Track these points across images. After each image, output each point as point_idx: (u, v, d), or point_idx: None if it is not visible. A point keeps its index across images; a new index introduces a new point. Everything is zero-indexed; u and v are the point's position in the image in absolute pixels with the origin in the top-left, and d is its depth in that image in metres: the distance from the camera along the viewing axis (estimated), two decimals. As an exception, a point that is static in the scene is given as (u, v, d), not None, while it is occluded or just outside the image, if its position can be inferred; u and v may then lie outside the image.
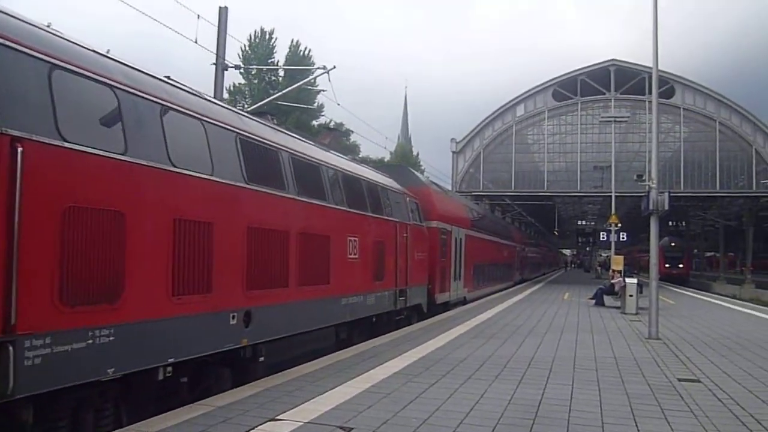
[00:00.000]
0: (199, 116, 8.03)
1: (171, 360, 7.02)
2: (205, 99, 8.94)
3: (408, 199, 16.95)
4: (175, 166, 7.13)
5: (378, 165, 23.09)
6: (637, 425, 6.95)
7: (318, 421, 6.65)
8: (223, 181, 8.12)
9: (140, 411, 6.87)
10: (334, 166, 12.42)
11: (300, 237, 10.15)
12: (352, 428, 6.42)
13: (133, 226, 6.38)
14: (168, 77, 8.21)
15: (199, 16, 16.27)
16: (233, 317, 8.23)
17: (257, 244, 8.83)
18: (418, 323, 16.95)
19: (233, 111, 9.88)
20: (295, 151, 10.66)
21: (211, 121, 8.27)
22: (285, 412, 6.97)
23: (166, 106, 7.36)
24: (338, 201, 12.01)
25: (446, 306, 21.28)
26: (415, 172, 23.62)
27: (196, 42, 16.41)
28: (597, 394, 8.51)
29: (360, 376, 9.22)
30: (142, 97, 6.94)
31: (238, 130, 8.88)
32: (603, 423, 6.98)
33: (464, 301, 24.46)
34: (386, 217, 14.71)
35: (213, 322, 7.82)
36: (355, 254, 12.53)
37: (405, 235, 15.83)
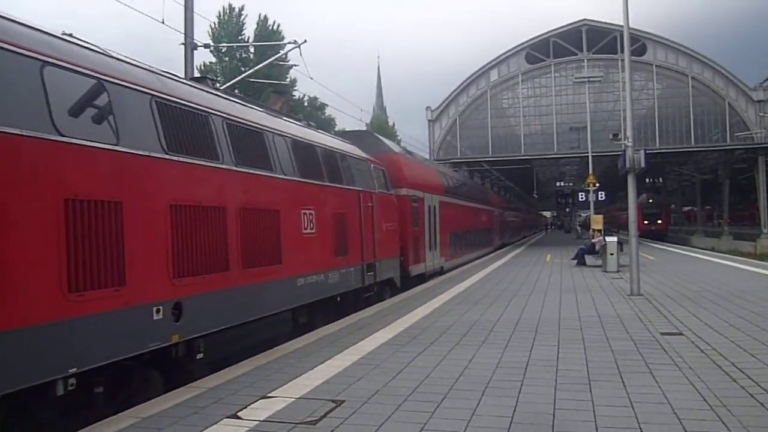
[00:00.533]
0: (98, 75, 6.86)
1: (73, 370, 5.94)
2: (112, 56, 7.68)
3: (372, 166, 15.81)
4: (62, 135, 6.04)
5: (340, 133, 21.37)
6: (623, 380, 7.08)
7: (309, 396, 6.71)
8: (133, 151, 7.01)
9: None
10: (283, 132, 11.21)
11: (241, 213, 9.05)
12: (344, 401, 6.48)
13: (3, 211, 5.42)
14: (66, 33, 7.23)
15: (164, -5, 16.01)
16: (158, 311, 7.17)
17: (185, 224, 7.70)
18: (392, 299, 15.96)
19: (151, 71, 8.37)
20: (230, 116, 9.43)
21: (117, 81, 7.13)
22: (276, 389, 7.02)
23: (50, 62, 6.18)
24: (288, 171, 10.84)
25: (422, 278, 20.39)
26: (382, 138, 21.99)
27: (162, 22, 16.17)
28: (582, 353, 8.64)
29: (348, 348, 9.29)
30: (11, 51, 5.77)
31: (154, 92, 7.76)
32: (590, 380, 7.10)
33: (442, 271, 23.58)
34: (347, 187, 13.58)
35: (130, 320, 6.73)
36: (311, 229, 11.45)
37: (370, 204, 14.66)
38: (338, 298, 12.94)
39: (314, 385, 7.16)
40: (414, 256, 19.25)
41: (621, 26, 45.51)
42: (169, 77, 8.73)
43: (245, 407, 6.34)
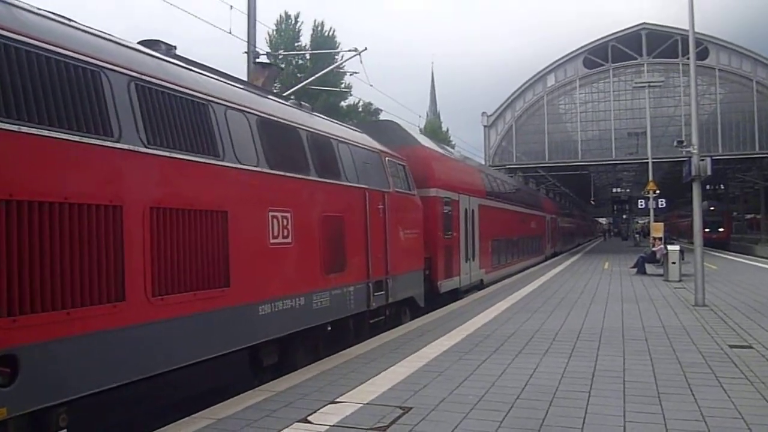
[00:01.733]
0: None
1: None
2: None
3: (388, 160, 12.84)
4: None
5: (357, 124, 17.32)
6: (693, 393, 6.98)
7: (377, 402, 6.80)
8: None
9: None
10: (239, 105, 8.17)
11: (150, 215, 6.26)
12: (411, 407, 6.55)
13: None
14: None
15: (231, 6, 16.41)
16: None
17: (32, 232, 5.02)
18: (408, 323, 13.00)
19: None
20: (137, 73, 6.55)
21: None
22: (344, 394, 7.13)
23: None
24: (247, 158, 7.92)
25: (455, 294, 17.57)
26: (407, 129, 18.12)
27: (230, 33, 16.57)
28: (649, 364, 8.53)
29: (412, 355, 9.35)
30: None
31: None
32: (659, 392, 7.01)
33: (481, 285, 20.67)
34: (348, 184, 10.68)
35: None
36: (285, 237, 8.55)
37: (381, 206, 11.80)
38: (329, 328, 9.98)
39: (381, 391, 7.25)
40: (445, 269, 16.52)
41: (682, 30, 44.51)
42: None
43: (315, 411, 6.46)
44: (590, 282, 21.70)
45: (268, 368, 8.67)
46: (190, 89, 7.27)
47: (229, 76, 9.25)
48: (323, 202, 9.88)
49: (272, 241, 8.31)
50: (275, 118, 9.02)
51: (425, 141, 18.34)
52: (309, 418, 6.26)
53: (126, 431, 6.53)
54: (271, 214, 8.31)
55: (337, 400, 6.90)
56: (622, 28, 51.62)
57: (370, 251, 11.27)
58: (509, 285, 20.87)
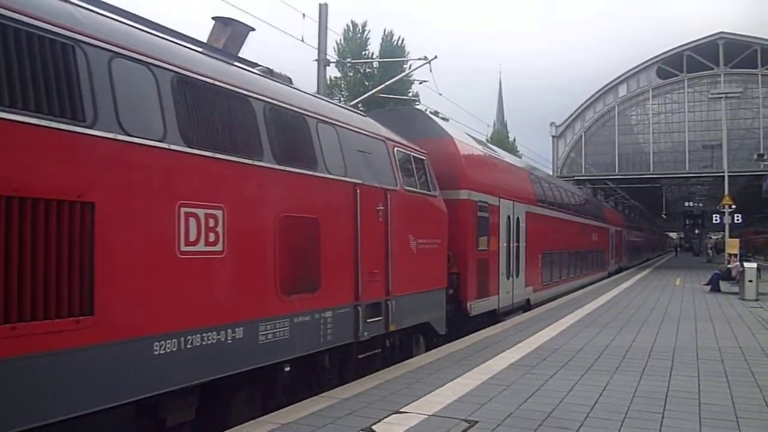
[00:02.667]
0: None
1: None
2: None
3: (397, 150, 10.30)
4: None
5: (377, 113, 13.29)
6: (774, 419, 6.66)
7: (442, 414, 6.70)
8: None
9: None
10: (141, 56, 5.73)
11: None
12: (477, 421, 6.43)
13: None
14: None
15: (304, 15, 16.62)
16: None
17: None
18: (417, 358, 10.37)
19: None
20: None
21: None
22: (408, 404, 7.06)
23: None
24: (143, 128, 5.57)
25: (493, 317, 14.92)
26: (434, 118, 15.56)
27: (302, 41, 16.79)
28: (726, 386, 8.18)
29: (477, 367, 9.21)
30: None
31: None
32: (737, 417, 6.71)
33: (528, 306, 18.02)
34: (328, 175, 8.17)
35: None
36: (212, 243, 6.12)
37: (382, 208, 9.24)
38: (286, 368, 7.58)
39: (446, 403, 7.15)
40: (477, 287, 13.80)
41: (761, 39, 43.21)
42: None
43: (379, 421, 6.41)
44: (661, 298, 21.07)
45: (178, 428, 6.22)
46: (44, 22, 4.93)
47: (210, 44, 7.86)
48: (284, 198, 7.38)
49: (184, 248, 5.74)
50: (204, 79, 6.40)
51: (457, 133, 14.97)
52: (373, 427, 6.21)
53: None
54: (184, 210, 5.78)
55: (402, 410, 6.83)
56: (698, 37, 50.26)
57: (360, 265, 8.61)
58: (559, 307, 17.92)
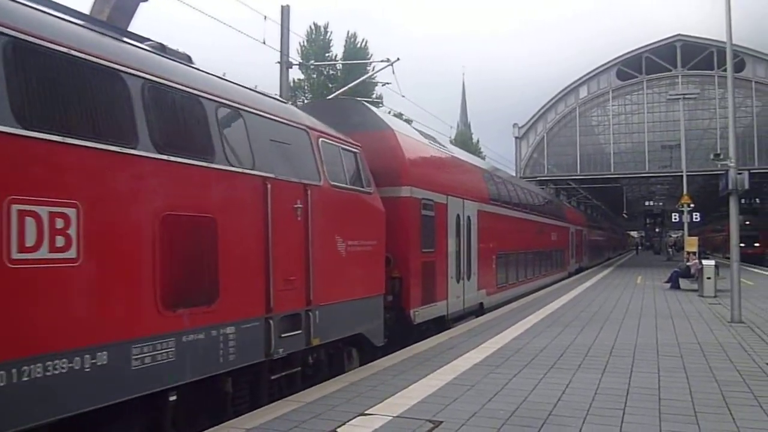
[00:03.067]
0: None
1: None
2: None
3: (322, 141, 9.04)
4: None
5: (311, 104, 13.04)
6: (731, 412, 6.80)
7: (407, 415, 6.71)
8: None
9: None
10: None
11: None
12: (442, 421, 6.45)
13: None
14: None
15: (266, 17, 16.54)
16: None
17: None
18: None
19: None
20: None
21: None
22: (373, 406, 7.06)
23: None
24: None
25: (442, 323, 13.74)
26: (374, 110, 13.80)
27: (264, 43, 16.70)
28: (685, 382, 8.34)
29: (441, 368, 9.25)
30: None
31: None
32: (696, 412, 6.84)
33: (481, 310, 16.77)
34: (229, 168, 6.95)
35: None
36: (62, 249, 4.98)
37: (300, 206, 8.04)
38: (171, 396, 6.16)
39: (410, 404, 7.17)
40: (422, 292, 12.51)
41: (718, 42, 44.04)
42: None
43: (344, 423, 6.40)
44: (623, 296, 21.38)
45: None
46: None
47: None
48: (167, 194, 6.16)
49: (17, 256, 4.60)
50: (53, 46, 5.20)
51: (399, 126, 13.89)
52: (338, 430, 6.20)
53: None
54: (17, 207, 4.63)
55: (367, 412, 6.83)
56: (657, 39, 51.14)
57: (272, 271, 7.37)
58: (517, 310, 17.35)
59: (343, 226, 9.25)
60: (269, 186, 7.39)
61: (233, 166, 6.94)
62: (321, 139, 9.07)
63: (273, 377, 7.85)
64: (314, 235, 8.30)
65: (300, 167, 8.31)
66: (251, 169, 7.22)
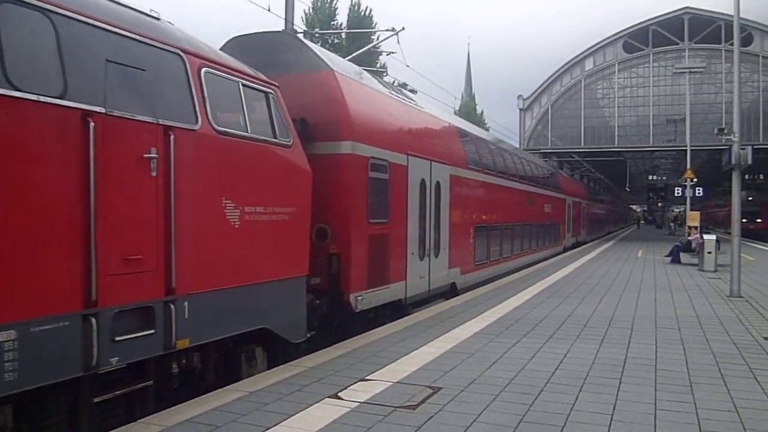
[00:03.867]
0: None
1: None
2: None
3: (208, 73, 6.82)
4: None
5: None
6: (726, 384, 6.91)
7: (407, 381, 6.84)
8: None
9: None
10: None
11: None
12: (441, 387, 6.58)
13: None
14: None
15: (270, -17, 16.41)
16: None
17: None
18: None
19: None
20: None
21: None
22: (374, 372, 7.19)
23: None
24: None
25: (399, 309, 11.52)
26: (312, 45, 11.20)
27: (269, 10, 16.62)
28: (682, 353, 8.46)
29: (442, 336, 9.38)
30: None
31: None
32: (691, 382, 6.96)
33: (453, 291, 14.42)
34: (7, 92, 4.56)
35: None
36: None
37: (154, 155, 5.86)
38: None
39: (411, 370, 7.30)
40: (369, 272, 10.30)
41: (726, 15, 43.63)
42: None
43: (345, 388, 6.53)
44: (623, 269, 21.49)
45: None
46: None
47: None
48: None
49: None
50: None
51: (342, 66, 11.17)
52: (339, 394, 6.32)
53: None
54: None
55: (368, 377, 6.96)
56: (665, 12, 50.66)
57: (96, 246, 5.17)
58: (523, 278, 17.57)
59: (237, 187, 6.98)
60: (94, 124, 5.17)
61: (24, 92, 4.67)
62: (204, 69, 6.69)
63: (98, 399, 5.46)
64: (182, 197, 6.10)
65: (161, 103, 6.01)
66: (59, 97, 4.98)
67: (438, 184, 13.24)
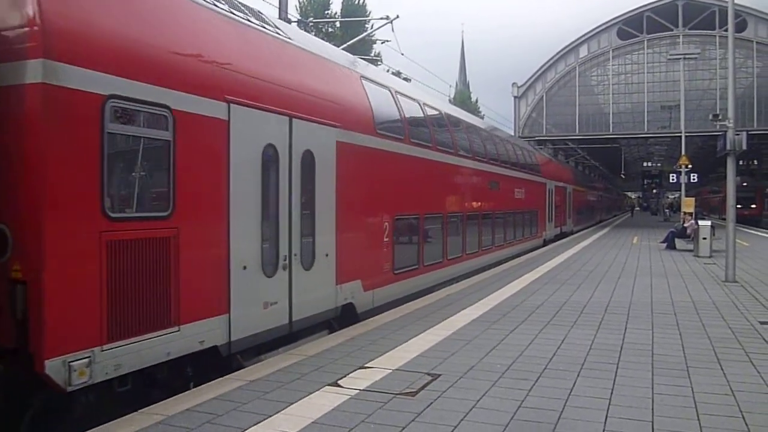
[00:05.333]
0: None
1: None
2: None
3: None
4: None
5: None
6: (722, 368, 6.98)
7: (406, 368, 6.89)
8: None
9: None
10: None
11: None
12: (440, 374, 6.63)
13: None
14: None
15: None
16: None
17: None
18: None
19: None
20: None
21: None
22: (373, 359, 7.23)
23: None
24: None
25: (214, 365, 6.95)
26: None
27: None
28: (678, 338, 8.52)
29: (440, 323, 9.43)
30: None
31: None
32: (687, 366, 7.02)
33: (350, 317, 9.86)
34: None
35: None
36: None
37: None
38: None
39: (409, 357, 7.34)
40: (113, 309, 5.68)
41: (720, 1, 43.49)
42: None
43: (345, 376, 6.57)
44: (619, 256, 21.56)
45: None
46: None
47: None
48: None
49: None
50: None
51: None
52: (339, 381, 6.36)
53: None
54: None
55: (367, 365, 7.00)
56: (659, -2, 50.61)
57: None
58: (518, 266, 16.48)
59: None
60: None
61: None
62: None
63: None
64: None
65: None
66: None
67: (310, 154, 8.81)
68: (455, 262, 15.44)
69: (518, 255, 21.74)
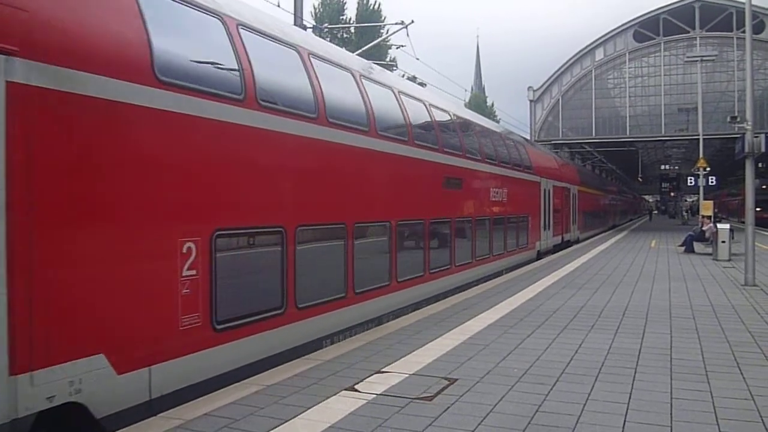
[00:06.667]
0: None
1: None
2: None
3: None
4: None
5: None
6: (741, 372, 6.90)
7: (422, 373, 6.88)
8: None
9: None
10: None
11: None
12: (457, 379, 6.62)
13: None
14: None
15: (280, -22, 16.42)
16: None
17: None
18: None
19: None
20: None
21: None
22: (390, 364, 7.23)
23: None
24: None
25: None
26: None
27: (278, 6, 16.68)
28: (697, 342, 8.45)
29: (456, 327, 9.41)
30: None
31: None
32: (707, 371, 6.96)
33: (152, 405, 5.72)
34: None
35: None
36: None
37: None
38: None
39: (426, 362, 7.33)
40: None
41: (737, 2, 43.30)
42: None
43: (362, 381, 6.57)
44: (637, 260, 21.43)
45: None
46: None
47: None
48: None
49: None
50: None
51: None
52: (356, 386, 6.37)
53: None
54: None
55: (384, 370, 7.00)
56: (675, 0, 50.31)
57: None
58: (535, 270, 16.73)
59: None
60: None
61: None
62: None
63: None
64: None
65: None
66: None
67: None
68: (397, 289, 10.95)
69: (496, 274, 17.03)
